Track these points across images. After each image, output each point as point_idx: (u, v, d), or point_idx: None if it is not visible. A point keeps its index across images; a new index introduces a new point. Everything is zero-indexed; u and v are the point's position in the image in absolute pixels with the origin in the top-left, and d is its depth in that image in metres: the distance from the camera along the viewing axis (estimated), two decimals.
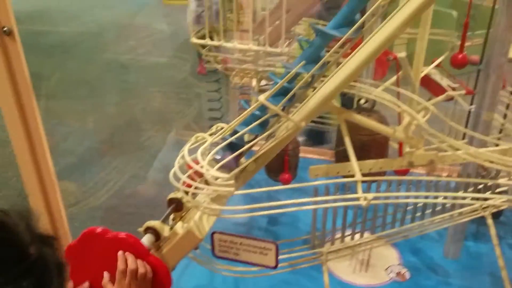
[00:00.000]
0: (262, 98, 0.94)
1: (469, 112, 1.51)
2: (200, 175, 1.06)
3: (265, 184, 1.77)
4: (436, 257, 1.60)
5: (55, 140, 2.70)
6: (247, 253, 0.90)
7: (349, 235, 1.21)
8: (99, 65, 3.92)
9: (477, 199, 1.09)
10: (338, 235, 1.23)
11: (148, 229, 1.04)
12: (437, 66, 1.63)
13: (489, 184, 1.15)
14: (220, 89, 1.52)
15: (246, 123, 1.00)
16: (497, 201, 1.09)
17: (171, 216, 1.07)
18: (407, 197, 0.97)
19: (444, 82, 1.59)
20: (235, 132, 0.99)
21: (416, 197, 1.03)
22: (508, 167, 0.94)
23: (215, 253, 0.95)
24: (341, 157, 1.42)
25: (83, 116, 3.00)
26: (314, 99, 0.95)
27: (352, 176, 0.99)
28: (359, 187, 0.96)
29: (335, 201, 1.00)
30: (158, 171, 2.23)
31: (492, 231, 1.13)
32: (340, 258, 1.19)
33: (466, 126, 1.47)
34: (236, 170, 0.97)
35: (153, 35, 4.49)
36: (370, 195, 0.91)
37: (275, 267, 0.90)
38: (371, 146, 1.36)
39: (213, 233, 0.94)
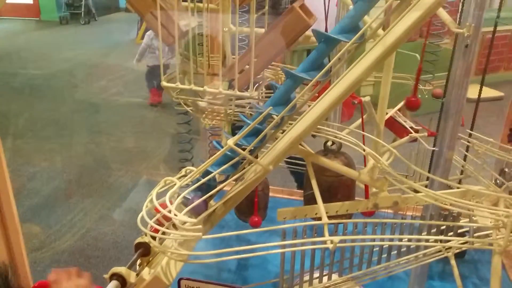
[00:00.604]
0: (230, 142, 0.96)
1: (433, 152, 1.57)
2: (169, 219, 1.06)
3: (234, 225, 1.77)
4: None
5: (21, 180, 2.63)
6: None
7: (317, 277, 1.22)
8: (69, 105, 3.90)
9: (440, 241, 1.11)
10: (307, 277, 1.22)
11: (114, 276, 1.02)
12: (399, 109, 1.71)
13: (451, 225, 1.19)
14: (191, 131, 1.53)
15: (217, 163, 1.01)
16: (458, 242, 1.12)
17: (138, 261, 1.06)
18: (373, 239, 0.98)
19: (408, 124, 1.66)
20: (206, 173, 1.00)
21: (382, 239, 1.04)
22: (466, 210, 0.98)
23: None
24: (309, 198, 1.44)
25: (51, 155, 2.95)
26: (282, 142, 0.97)
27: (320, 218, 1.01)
28: (326, 230, 0.97)
29: (302, 244, 1.01)
30: (126, 212, 2.19)
31: (455, 272, 1.15)
32: None
33: (430, 166, 1.52)
34: (204, 214, 0.97)
35: (126, 75, 4.51)
36: (336, 238, 0.92)
37: None
38: (338, 187, 1.38)
39: (179, 280, 0.92)
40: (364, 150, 1.11)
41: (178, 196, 0.99)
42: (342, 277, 1.28)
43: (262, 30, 1.23)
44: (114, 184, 2.47)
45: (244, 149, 0.95)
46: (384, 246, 1.23)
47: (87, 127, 3.43)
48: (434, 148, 1.40)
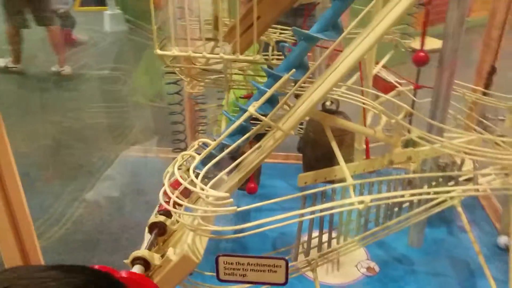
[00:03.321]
0: (252, 109, 0.91)
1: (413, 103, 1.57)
2: (187, 195, 1.01)
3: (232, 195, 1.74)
4: (400, 247, 1.67)
5: None
6: (255, 273, 0.86)
7: (325, 242, 1.22)
8: (33, 82, 3.61)
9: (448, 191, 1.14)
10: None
11: (136, 260, 0.97)
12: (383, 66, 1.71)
13: (454, 175, 1.22)
14: (182, 101, 1.45)
15: (231, 135, 0.97)
16: (466, 190, 1.16)
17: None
18: (400, 196, 0.99)
19: (392, 79, 1.67)
20: (222, 145, 0.95)
21: (403, 195, 1.05)
22: (484, 157, 1.00)
23: (220, 277, 0.90)
24: (310, 161, 1.43)
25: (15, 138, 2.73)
26: (303, 106, 0.93)
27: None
28: (352, 191, 0.97)
29: (330, 208, 0.99)
30: (107, 192, 2.09)
31: (464, 218, 1.20)
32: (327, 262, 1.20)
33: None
34: (230, 187, 0.93)
35: (79, 45, 4.23)
36: (367, 198, 0.92)
37: (285, 283, 0.87)
38: (339, 147, 1.38)
39: (217, 256, 0.89)
40: (374, 108, 1.10)
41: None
42: (349, 240, 1.30)
43: None
44: (89, 164, 2.34)
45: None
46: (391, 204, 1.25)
47: (56, 104, 3.17)
48: (427, 100, 1.42)
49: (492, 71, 1.55)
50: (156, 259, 0.97)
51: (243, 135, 0.94)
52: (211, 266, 0.96)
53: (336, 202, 0.95)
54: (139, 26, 4.42)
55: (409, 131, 1.05)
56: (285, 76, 0.89)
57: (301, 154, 2.17)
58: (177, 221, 1.10)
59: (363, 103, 1.10)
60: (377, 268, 1.60)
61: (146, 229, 1.15)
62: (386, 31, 0.87)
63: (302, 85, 1.04)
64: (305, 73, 0.92)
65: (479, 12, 3.36)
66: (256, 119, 0.92)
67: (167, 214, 1.13)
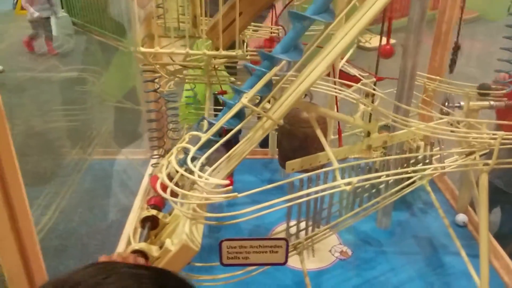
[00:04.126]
0: (244, 100, 0.96)
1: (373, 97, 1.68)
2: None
3: None
4: (369, 230, 1.77)
5: None
6: (257, 254, 0.91)
7: (303, 229, 1.28)
8: None
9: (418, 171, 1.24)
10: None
11: (134, 253, 0.99)
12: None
13: (422, 156, 1.33)
14: (160, 98, 1.46)
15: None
16: (434, 169, 1.26)
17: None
18: (381, 176, 1.06)
19: (355, 72, 1.77)
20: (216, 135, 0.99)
21: (387, 175, 1.13)
22: (459, 137, 1.10)
23: (223, 262, 0.93)
24: (286, 153, 1.49)
25: None
26: (292, 96, 0.99)
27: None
28: (338, 174, 1.03)
29: (316, 192, 1.05)
30: (77, 197, 2.05)
31: (433, 196, 1.30)
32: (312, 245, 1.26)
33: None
34: (227, 174, 0.97)
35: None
36: (354, 179, 0.98)
37: (285, 262, 0.92)
38: (314, 137, 1.44)
39: (221, 242, 0.92)
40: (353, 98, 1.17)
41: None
42: (324, 226, 1.37)
43: None
44: (60, 169, 2.27)
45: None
46: (366, 186, 1.34)
47: (18, 108, 3.03)
48: (391, 90, 1.52)
49: (457, 47, 1.70)
50: (154, 250, 0.99)
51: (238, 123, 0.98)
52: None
53: (324, 186, 1.01)
54: (86, 29, 4.32)
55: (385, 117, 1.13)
56: (282, 64, 0.94)
57: (264, 149, 2.25)
58: (170, 214, 1.13)
59: (342, 94, 1.17)
60: (349, 252, 1.69)
61: (127, 226, 1.16)
62: (366, 26, 0.94)
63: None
64: (301, 55, 0.97)
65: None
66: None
67: (158, 208, 1.15)
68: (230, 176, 1.64)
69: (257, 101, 1.01)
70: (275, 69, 0.94)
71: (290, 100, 0.99)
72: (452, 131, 1.06)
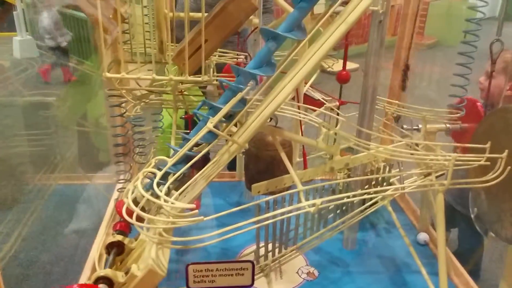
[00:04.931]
0: (210, 125, 0.98)
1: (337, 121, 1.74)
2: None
3: None
4: (336, 251, 1.79)
5: None
6: (224, 277, 0.92)
7: (270, 251, 1.30)
8: None
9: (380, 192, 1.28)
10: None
11: (99, 280, 0.98)
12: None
13: (382, 177, 1.38)
14: (126, 122, 1.46)
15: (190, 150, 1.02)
16: (395, 190, 1.30)
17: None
18: (341, 198, 1.09)
19: (319, 96, 1.82)
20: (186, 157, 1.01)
21: (349, 196, 1.16)
22: (416, 159, 1.15)
23: (189, 285, 0.93)
24: (253, 176, 1.51)
25: None
26: (257, 120, 1.02)
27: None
28: (302, 196, 1.06)
29: (282, 214, 1.08)
30: (39, 224, 2.00)
31: (394, 216, 1.34)
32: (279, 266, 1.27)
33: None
34: (194, 198, 0.98)
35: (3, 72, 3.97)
36: (318, 201, 1.01)
37: (252, 285, 0.93)
38: (280, 160, 1.48)
39: (187, 265, 0.92)
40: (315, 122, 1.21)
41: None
42: (289, 248, 1.39)
43: (199, 15, 1.24)
44: (24, 196, 2.20)
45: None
46: (330, 208, 1.37)
47: None
48: (353, 114, 1.58)
49: (406, 68, 1.78)
50: (119, 277, 0.99)
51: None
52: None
53: (289, 207, 1.03)
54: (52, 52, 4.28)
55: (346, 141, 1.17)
56: (240, 94, 0.97)
57: (232, 172, 2.27)
58: (136, 239, 1.13)
59: (305, 118, 1.20)
60: (316, 273, 1.71)
61: (92, 253, 1.14)
62: (329, 51, 0.99)
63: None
64: (274, 71, 1.00)
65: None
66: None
67: (124, 233, 1.15)
68: (197, 199, 1.66)
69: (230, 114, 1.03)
70: (246, 89, 0.96)
71: (255, 124, 1.02)
72: (411, 154, 1.12)
